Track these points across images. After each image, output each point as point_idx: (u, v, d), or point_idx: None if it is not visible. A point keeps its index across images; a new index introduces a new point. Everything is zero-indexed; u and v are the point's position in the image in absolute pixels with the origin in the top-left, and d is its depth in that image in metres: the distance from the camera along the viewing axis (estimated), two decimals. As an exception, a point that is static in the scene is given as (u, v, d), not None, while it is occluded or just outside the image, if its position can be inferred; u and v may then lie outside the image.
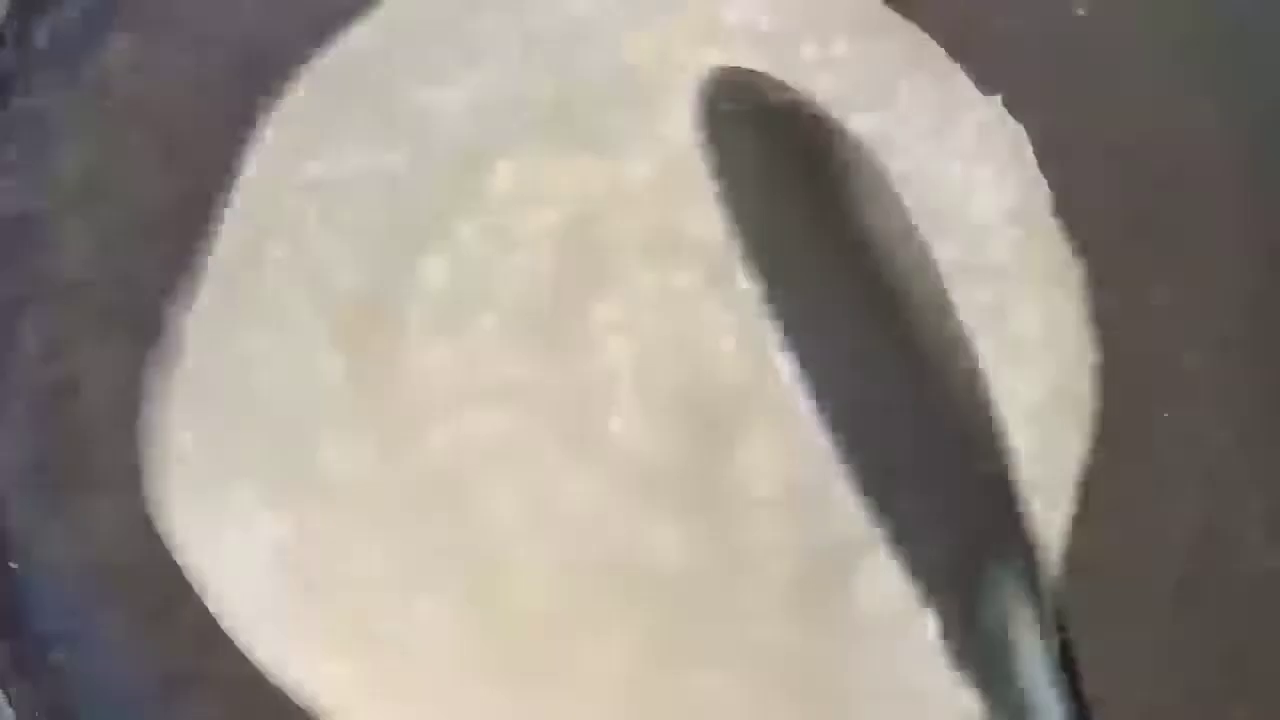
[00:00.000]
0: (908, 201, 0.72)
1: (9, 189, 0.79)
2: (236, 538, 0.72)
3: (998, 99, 0.75)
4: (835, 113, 0.73)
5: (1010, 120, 0.75)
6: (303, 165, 0.75)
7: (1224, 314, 0.76)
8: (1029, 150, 0.75)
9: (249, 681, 0.74)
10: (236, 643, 0.73)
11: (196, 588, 0.73)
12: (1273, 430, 0.75)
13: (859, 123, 0.73)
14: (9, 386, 0.78)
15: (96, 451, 0.77)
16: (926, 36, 0.75)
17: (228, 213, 0.76)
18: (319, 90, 0.76)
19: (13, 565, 0.76)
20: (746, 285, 0.71)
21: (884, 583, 0.69)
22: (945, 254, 0.71)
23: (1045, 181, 0.74)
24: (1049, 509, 0.71)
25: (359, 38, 0.77)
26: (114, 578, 0.76)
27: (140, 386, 0.77)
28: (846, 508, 0.69)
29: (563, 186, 0.75)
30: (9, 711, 0.75)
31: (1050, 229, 0.74)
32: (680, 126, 0.73)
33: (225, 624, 0.73)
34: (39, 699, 0.75)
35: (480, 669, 0.71)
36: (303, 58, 0.78)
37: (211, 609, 0.73)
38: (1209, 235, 0.77)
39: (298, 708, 0.74)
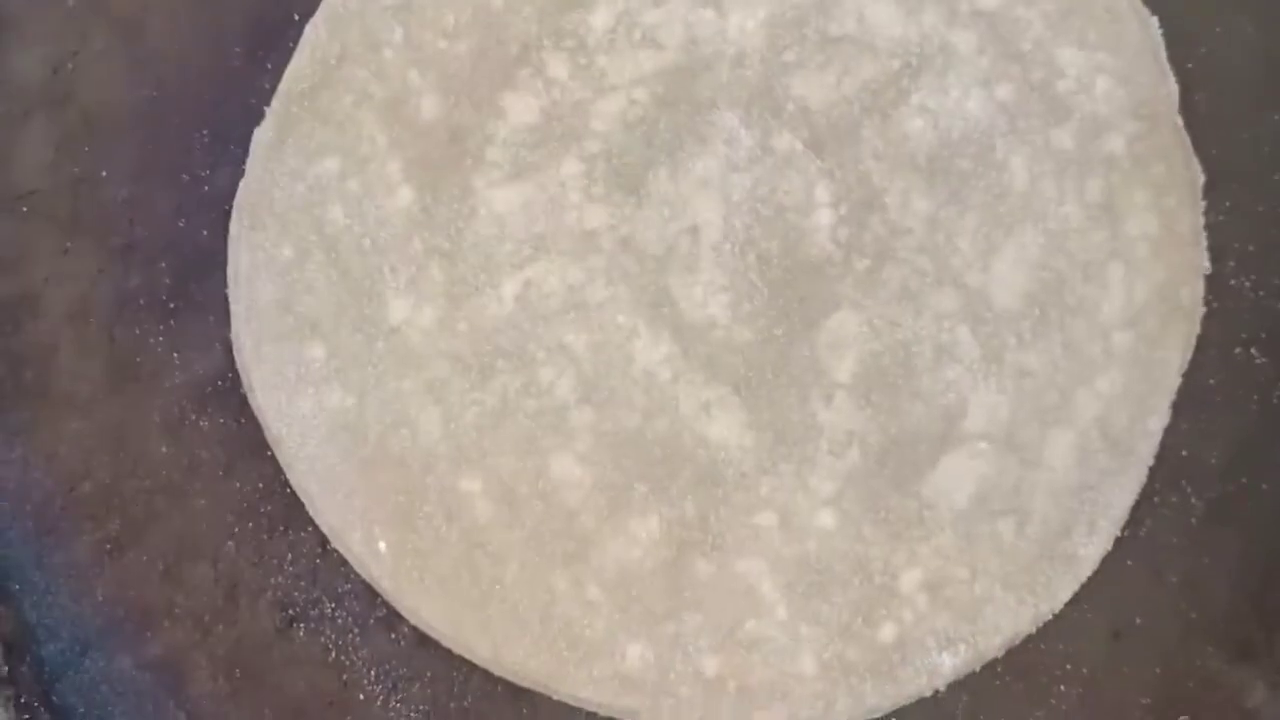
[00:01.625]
0: (1025, 83, 0.70)
1: None
2: (308, 405, 0.71)
3: (1132, -14, 0.71)
4: (960, -15, 0.71)
5: (1143, 9, 0.72)
6: (391, -15, 0.72)
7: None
8: (1160, 43, 0.72)
9: (218, 611, 0.73)
10: (308, 509, 0.72)
11: (271, 448, 0.72)
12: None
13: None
14: None
15: (58, 370, 0.75)
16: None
17: (307, 30, 0.73)
18: (412, -91, 0.72)
19: None
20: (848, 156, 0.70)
21: (954, 483, 0.69)
22: (1059, 142, 0.70)
23: (1173, 77, 0.71)
24: (1144, 418, 0.69)
25: None
26: (76, 503, 0.74)
27: (102, 299, 0.75)
28: (927, 402, 0.69)
29: (666, 33, 0.72)
30: None
31: (1173, 128, 0.71)
32: (794, -16, 0.71)
33: (294, 488, 0.72)
34: None
35: (517, 546, 0.70)
36: None
37: (284, 469, 0.72)
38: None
39: (265, 635, 0.73)
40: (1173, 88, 0.71)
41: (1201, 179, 0.71)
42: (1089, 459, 0.69)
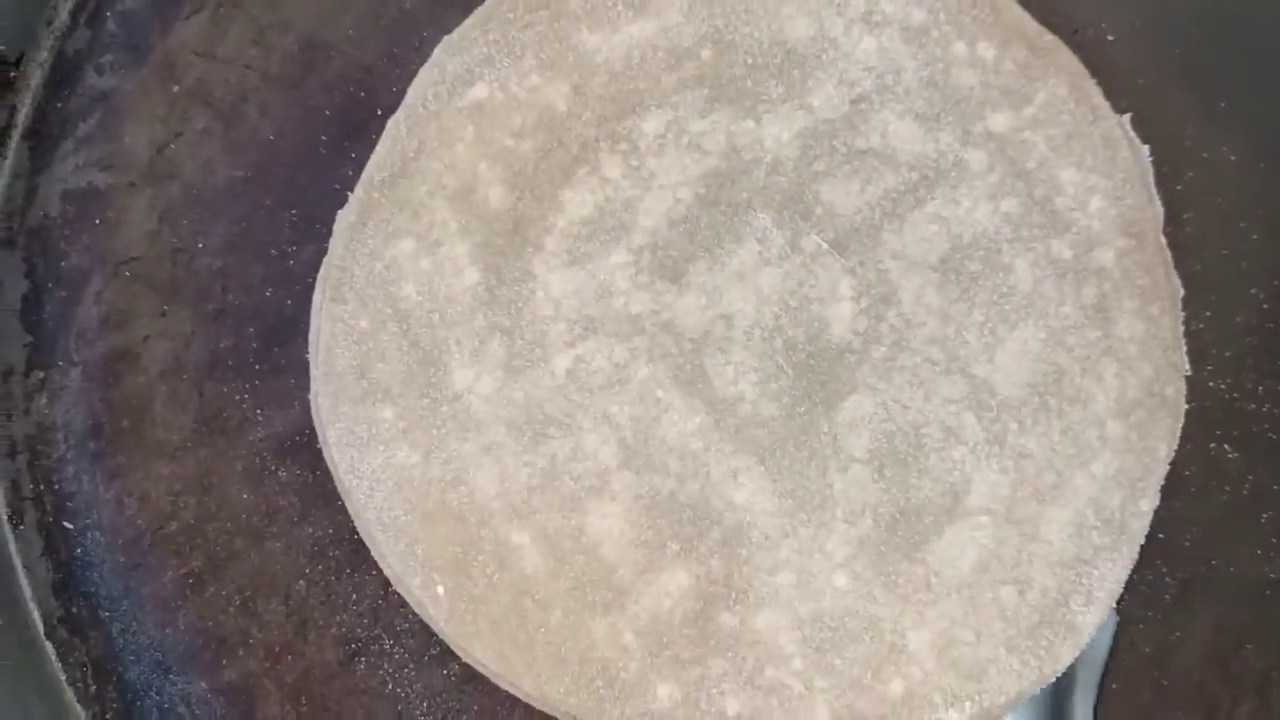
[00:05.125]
0: (1029, 197, 0.77)
1: (78, 165, 0.83)
2: (377, 460, 0.76)
3: (1127, 117, 0.78)
4: (973, 108, 0.77)
5: (1136, 138, 0.78)
6: (467, 89, 0.79)
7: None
8: (1150, 169, 0.78)
9: (288, 644, 0.79)
10: (373, 554, 0.76)
11: (342, 498, 0.77)
12: None
13: (995, 121, 0.77)
14: (69, 354, 0.82)
15: (152, 419, 0.81)
16: (1069, 51, 0.78)
17: (389, 125, 0.79)
18: (491, 21, 0.79)
19: (68, 526, 0.81)
20: (869, 256, 0.76)
21: (958, 552, 0.75)
22: (1057, 251, 0.76)
23: (1159, 201, 0.77)
24: (1136, 499, 0.75)
25: (534, -24, 0.80)
26: (164, 541, 0.81)
27: (194, 358, 0.81)
28: (934, 478, 0.75)
29: (710, 140, 0.78)
30: (56, 665, 0.80)
31: (1157, 246, 0.77)
32: (826, 100, 0.78)
33: (361, 535, 0.77)
34: (86, 655, 0.81)
35: (560, 595, 0.75)
36: (361, 51, 0.83)
37: (353, 518, 0.77)
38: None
39: (329, 667, 0.78)
40: (1158, 210, 0.77)
41: (1181, 292, 0.77)
42: (1084, 535, 0.75)
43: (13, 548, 0.82)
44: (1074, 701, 0.76)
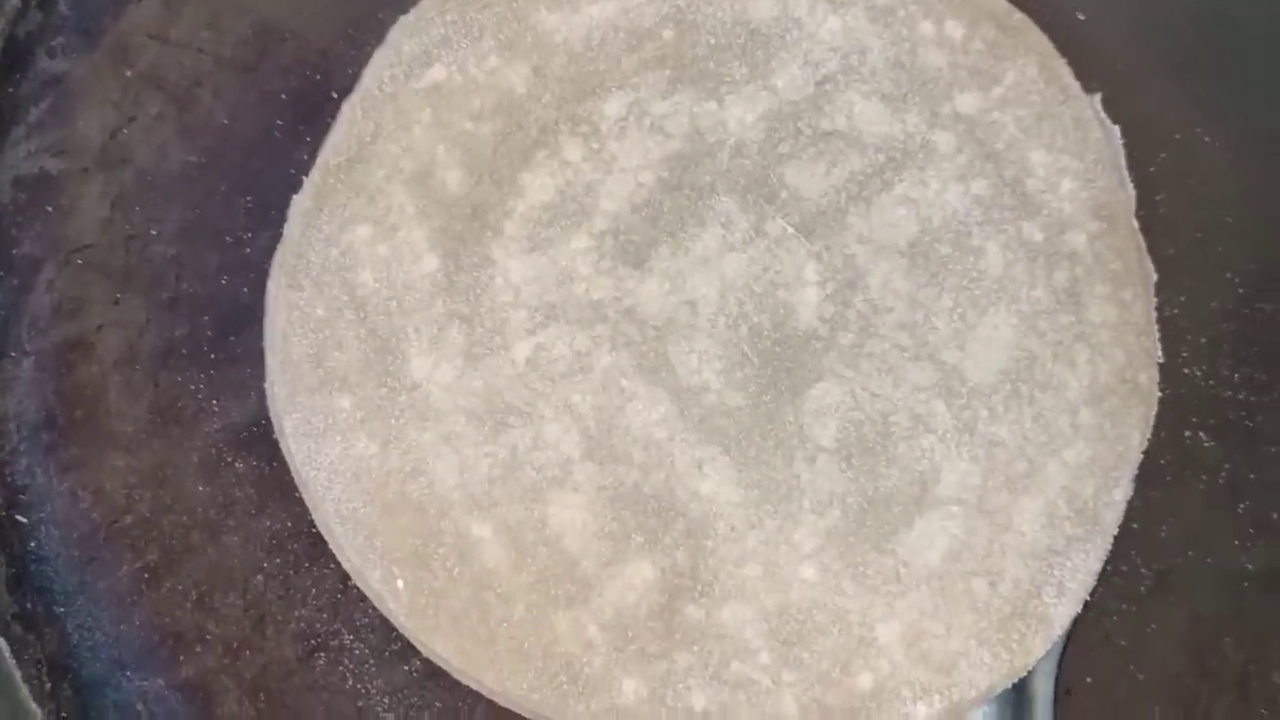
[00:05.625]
0: (999, 179, 0.75)
1: (29, 151, 0.82)
2: (335, 451, 0.75)
3: (1098, 98, 0.77)
4: (941, 89, 0.76)
5: (1107, 120, 0.77)
6: (425, 71, 0.77)
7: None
8: (1121, 151, 0.76)
9: (246, 639, 0.78)
10: (332, 548, 0.75)
11: (300, 490, 0.76)
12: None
13: (963, 101, 0.76)
14: (21, 344, 0.81)
15: (106, 409, 0.80)
16: (1039, 31, 0.77)
17: (345, 108, 0.78)
18: (448, 2, 0.78)
19: (21, 519, 0.80)
20: (836, 240, 0.75)
21: (928, 543, 0.73)
22: (1028, 234, 0.75)
23: (1130, 184, 0.76)
24: (1109, 488, 0.74)
25: (493, -44, 0.78)
26: (119, 535, 0.79)
27: (148, 347, 0.80)
28: (903, 467, 0.74)
29: (673, 123, 0.77)
30: (10, 661, 0.79)
31: (1130, 230, 0.76)
32: (791, 81, 0.77)
33: (319, 528, 0.76)
34: (41, 652, 0.79)
35: (523, 588, 0.74)
36: (316, 33, 0.82)
37: (310, 510, 0.76)
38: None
39: (288, 663, 0.77)
40: (1130, 193, 0.76)
41: (1154, 276, 0.76)
42: (1057, 525, 0.74)
43: (-35, 543, 0.80)
44: (1035, 673, 0.75)
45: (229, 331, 0.80)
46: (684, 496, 0.74)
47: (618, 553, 0.74)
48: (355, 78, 0.78)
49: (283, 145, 0.81)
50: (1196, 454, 0.78)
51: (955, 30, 0.77)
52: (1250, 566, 0.77)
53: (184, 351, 0.80)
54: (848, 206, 0.76)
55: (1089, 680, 0.77)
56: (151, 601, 0.79)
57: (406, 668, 0.78)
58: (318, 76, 0.82)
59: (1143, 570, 0.78)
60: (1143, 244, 0.76)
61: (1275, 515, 0.78)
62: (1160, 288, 0.76)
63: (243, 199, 0.81)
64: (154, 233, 0.81)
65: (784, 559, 0.73)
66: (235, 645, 0.78)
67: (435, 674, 0.76)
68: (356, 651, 0.78)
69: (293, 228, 0.77)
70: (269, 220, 0.80)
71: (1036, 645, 0.73)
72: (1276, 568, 0.77)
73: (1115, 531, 0.74)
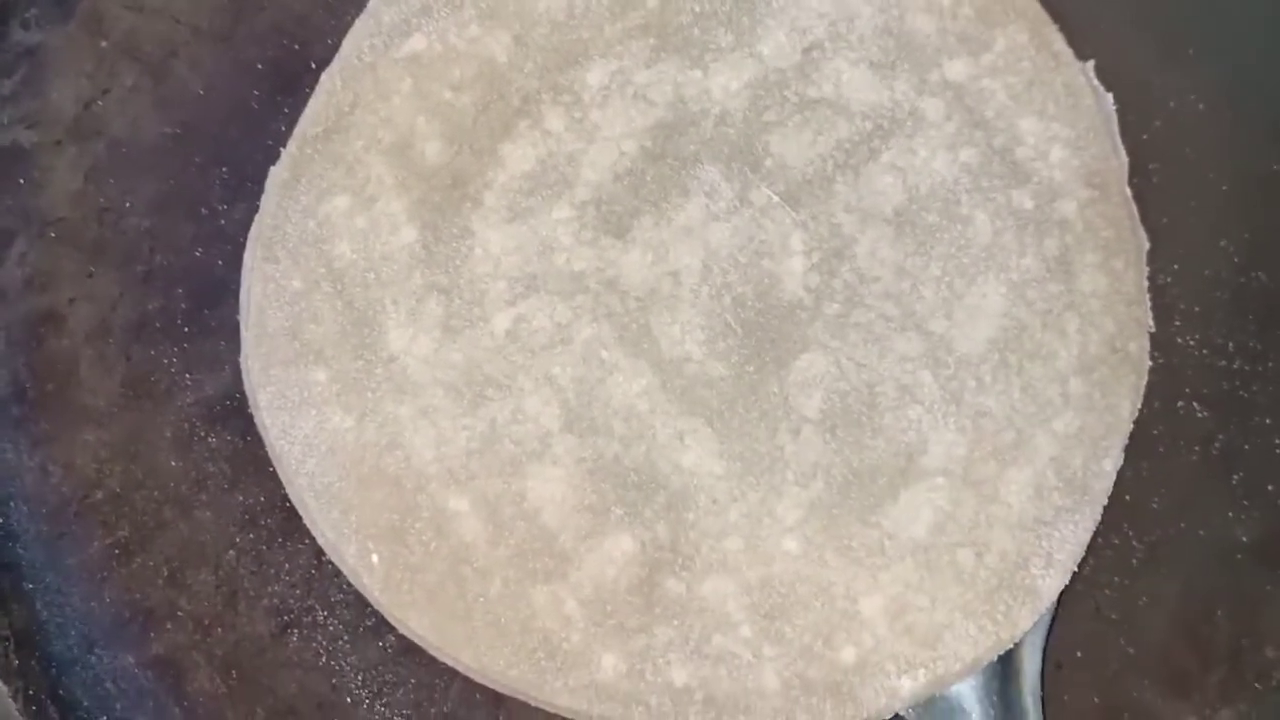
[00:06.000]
0: (988, 147, 0.74)
1: (2, 123, 0.81)
2: (310, 425, 0.74)
3: (1090, 64, 0.76)
4: (930, 55, 0.75)
5: (1099, 86, 0.76)
6: (404, 40, 0.76)
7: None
8: (1114, 118, 0.75)
9: (218, 615, 0.77)
10: (306, 522, 0.74)
11: (274, 464, 0.75)
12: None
13: (952, 68, 0.75)
14: None
15: (77, 383, 0.79)
16: (1031, -5, 0.76)
17: (323, 78, 0.77)
18: (428, -31, 0.77)
19: None
20: (822, 209, 0.74)
21: (913, 515, 0.72)
22: (1018, 202, 0.74)
23: (1123, 151, 0.75)
24: (1098, 459, 0.73)
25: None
26: (90, 510, 0.78)
27: (121, 320, 0.79)
28: (888, 438, 0.73)
29: (656, 91, 0.76)
30: None
31: (1122, 198, 0.74)
32: (777, 48, 0.75)
33: (293, 503, 0.75)
34: (9, 628, 0.78)
35: (500, 563, 0.72)
36: (294, 1, 0.81)
37: (285, 484, 0.75)
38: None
39: (261, 639, 0.76)
40: (1123, 160, 0.75)
41: (1147, 245, 0.75)
42: (1045, 496, 0.72)
43: (-67, 518, 0.79)
44: (1023, 646, 0.73)
45: (203, 305, 0.79)
46: (665, 469, 0.73)
47: (597, 526, 0.72)
48: (334, 47, 0.77)
49: (260, 116, 0.80)
50: (1189, 424, 0.77)
51: (944, -5, 0.76)
52: (1243, 538, 0.76)
53: (157, 325, 0.79)
54: (834, 175, 0.75)
55: (1079, 654, 0.76)
56: (122, 578, 0.77)
57: (381, 644, 0.77)
58: (295, 46, 0.81)
59: (1134, 542, 0.76)
60: (1135, 212, 0.74)
61: (1269, 486, 0.76)
62: (1153, 256, 0.75)
63: (218, 170, 0.80)
64: (128, 205, 0.80)
65: (766, 531, 0.72)
66: (207, 622, 0.77)
67: (410, 650, 0.75)
68: (330, 628, 0.77)
69: (269, 199, 0.76)
70: (245, 192, 0.79)
71: (1023, 617, 0.72)
72: (1270, 539, 0.76)
73: (1105, 502, 0.73)
